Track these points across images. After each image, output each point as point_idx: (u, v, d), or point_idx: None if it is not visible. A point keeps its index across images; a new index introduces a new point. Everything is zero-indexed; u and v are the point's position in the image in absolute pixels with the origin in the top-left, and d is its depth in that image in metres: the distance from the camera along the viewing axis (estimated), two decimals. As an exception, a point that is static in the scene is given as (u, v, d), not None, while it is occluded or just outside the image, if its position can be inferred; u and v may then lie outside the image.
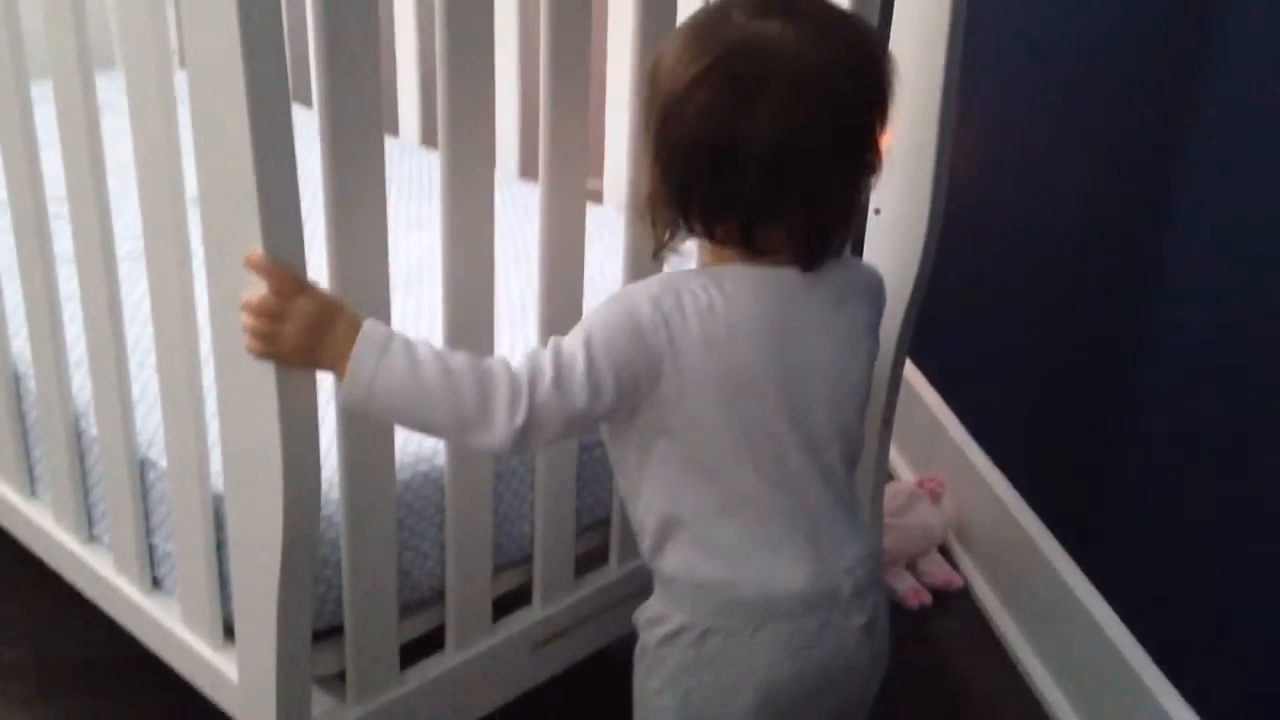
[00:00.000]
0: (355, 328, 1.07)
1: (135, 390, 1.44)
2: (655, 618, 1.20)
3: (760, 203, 1.08)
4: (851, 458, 1.20)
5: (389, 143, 1.42)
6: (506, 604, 1.49)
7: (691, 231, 1.12)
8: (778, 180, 1.06)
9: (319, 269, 1.11)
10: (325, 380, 1.11)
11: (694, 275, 1.13)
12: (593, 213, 1.38)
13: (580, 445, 1.47)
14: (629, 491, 1.20)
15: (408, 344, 1.08)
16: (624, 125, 1.37)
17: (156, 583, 1.47)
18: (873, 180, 1.13)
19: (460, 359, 1.09)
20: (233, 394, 1.14)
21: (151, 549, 1.45)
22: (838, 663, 1.17)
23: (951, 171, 1.60)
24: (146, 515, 1.44)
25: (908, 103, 1.56)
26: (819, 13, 1.10)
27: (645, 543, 1.20)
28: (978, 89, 1.82)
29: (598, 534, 1.58)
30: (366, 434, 1.22)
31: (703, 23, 1.10)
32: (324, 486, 1.19)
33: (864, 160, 1.11)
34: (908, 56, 1.55)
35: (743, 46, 1.05)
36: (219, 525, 1.32)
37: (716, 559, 1.15)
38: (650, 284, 1.12)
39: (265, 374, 1.07)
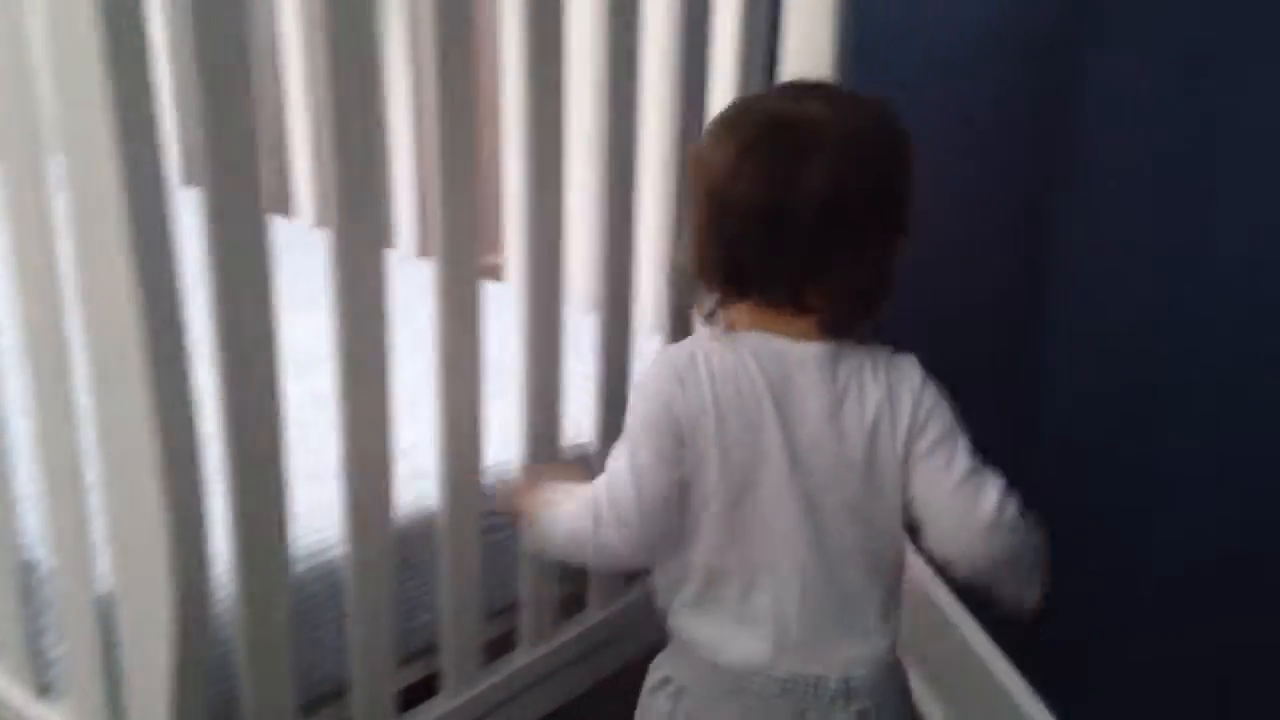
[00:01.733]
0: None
1: (15, 488, 1.38)
2: (656, 664, 1.26)
3: (808, 261, 1.11)
4: (874, 553, 1.19)
5: (285, 225, 1.39)
6: (415, 695, 1.45)
7: (742, 296, 1.16)
8: (825, 237, 1.10)
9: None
10: (210, 468, 1.09)
11: (718, 342, 1.17)
12: (491, 290, 1.36)
13: (484, 529, 1.44)
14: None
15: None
16: (524, 200, 1.37)
17: (45, 688, 1.41)
18: (904, 245, 1.16)
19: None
20: (116, 489, 1.11)
21: (40, 653, 1.39)
22: None
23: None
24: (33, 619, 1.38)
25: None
26: (845, 95, 1.18)
27: (658, 596, 1.24)
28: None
29: (506, 620, 1.55)
30: (259, 525, 1.19)
31: (733, 111, 1.18)
32: (220, 580, 1.16)
33: (901, 222, 1.15)
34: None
35: (781, 119, 1.12)
36: (108, 626, 1.27)
37: (705, 621, 1.19)
38: (677, 355, 1.16)
39: (148, 466, 1.04)
